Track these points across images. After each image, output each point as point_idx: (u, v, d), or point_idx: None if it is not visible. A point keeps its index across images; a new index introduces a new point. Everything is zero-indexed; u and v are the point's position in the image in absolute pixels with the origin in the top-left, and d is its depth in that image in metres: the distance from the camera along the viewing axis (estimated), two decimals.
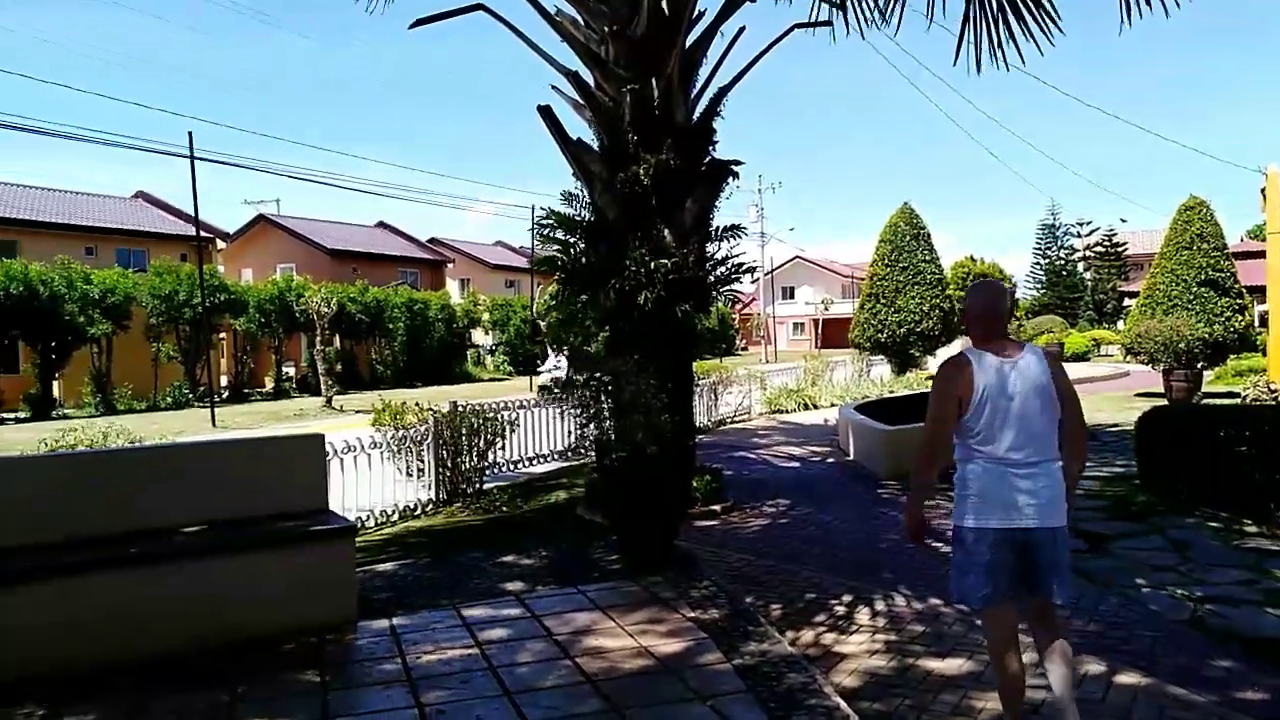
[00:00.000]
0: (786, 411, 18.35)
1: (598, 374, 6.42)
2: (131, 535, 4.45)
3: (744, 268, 8.60)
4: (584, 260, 7.95)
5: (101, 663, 4.08)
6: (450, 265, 49.55)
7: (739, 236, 8.67)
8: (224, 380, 32.11)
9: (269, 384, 32.32)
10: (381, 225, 49.87)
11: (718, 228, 8.39)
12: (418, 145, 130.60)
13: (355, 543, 5.01)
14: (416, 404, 9.55)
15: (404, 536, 7.75)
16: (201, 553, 4.44)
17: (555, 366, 16.89)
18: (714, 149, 8.35)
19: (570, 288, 7.92)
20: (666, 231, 7.88)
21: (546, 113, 7.86)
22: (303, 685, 4.00)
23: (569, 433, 9.85)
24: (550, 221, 8.09)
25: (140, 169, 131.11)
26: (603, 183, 7.95)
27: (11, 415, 23.93)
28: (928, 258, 25.23)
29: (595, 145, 8.12)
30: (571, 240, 8.07)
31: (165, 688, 3.96)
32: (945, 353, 23.37)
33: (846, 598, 5.61)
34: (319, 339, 27.26)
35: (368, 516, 8.26)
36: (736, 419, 16.98)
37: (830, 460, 11.92)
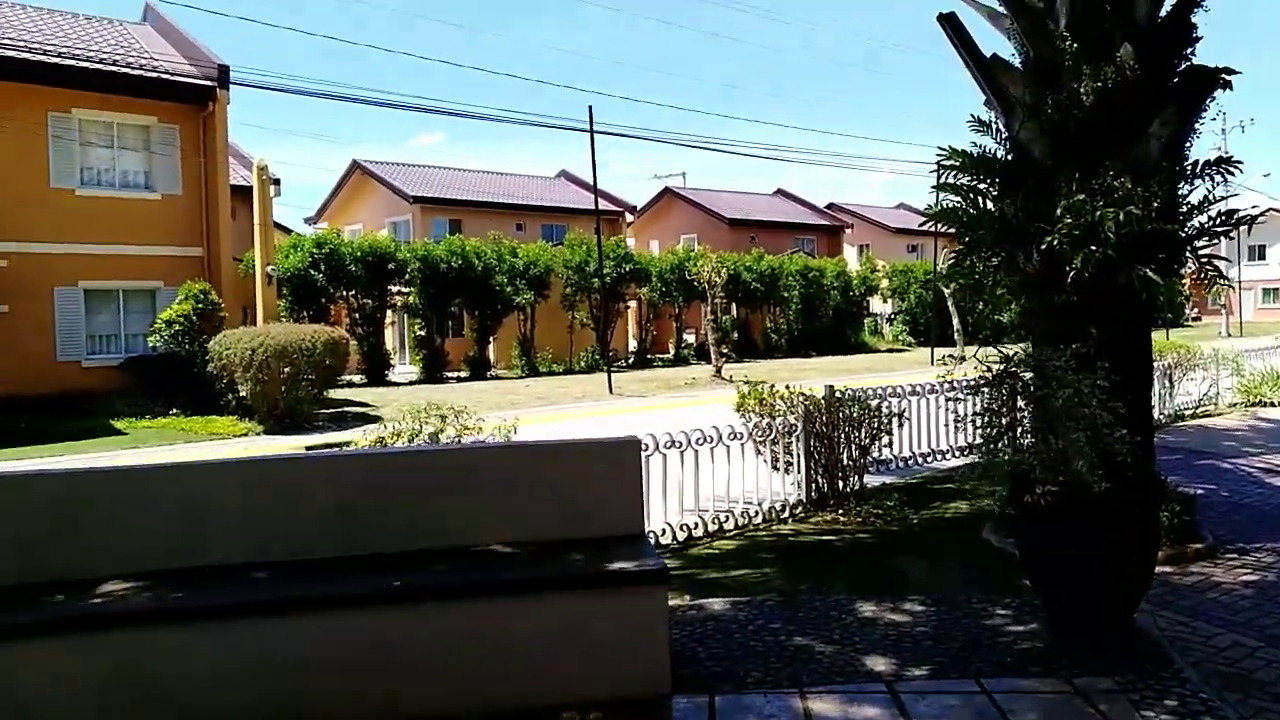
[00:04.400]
0: (1271, 405, 14.27)
1: (1014, 367, 4.62)
2: (401, 558, 3.70)
3: (1235, 217, 6.07)
4: (997, 210, 6.08)
5: None
6: (848, 230, 47.77)
7: (1229, 173, 6.14)
8: (632, 345, 33.68)
9: (671, 351, 33.26)
10: (779, 193, 49.51)
11: (1194, 163, 6.01)
12: (817, 104, 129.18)
13: (669, 591, 3.83)
14: (787, 387, 8.28)
15: (757, 550, 6.52)
16: (470, 593, 3.54)
17: None
18: (1191, 54, 6.00)
19: (976, 247, 6.08)
20: (1117, 169, 5.76)
21: (950, 22, 6.07)
22: None
23: (954, 419, 7.86)
24: (952, 162, 6.25)
25: (564, 149, 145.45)
26: (1026, 109, 6.05)
27: (454, 375, 26.88)
28: None
29: (1016, 62, 6.23)
30: (982, 185, 6.21)
31: None
32: None
33: None
34: (711, 307, 27.28)
35: (725, 516, 7.20)
36: (1199, 413, 13.49)
37: None
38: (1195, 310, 60.26)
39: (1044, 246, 5.44)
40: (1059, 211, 5.44)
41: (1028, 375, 4.53)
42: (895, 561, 5.97)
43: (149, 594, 3.44)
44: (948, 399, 8.81)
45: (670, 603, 4.83)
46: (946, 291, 29.39)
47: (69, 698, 3.19)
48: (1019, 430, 4.44)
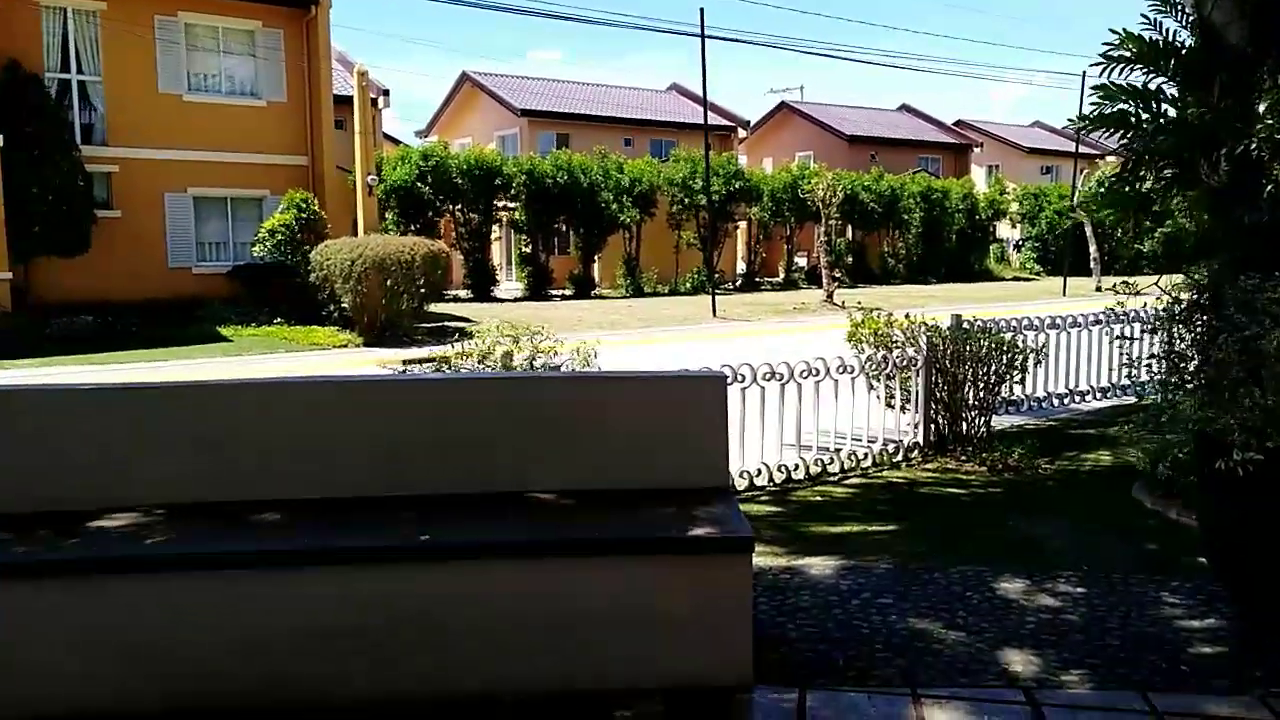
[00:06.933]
0: None
1: (1203, 297, 3.68)
2: (436, 503, 3.14)
3: None
4: (1176, 112, 4.99)
5: (343, 705, 2.82)
6: (977, 150, 44.81)
7: None
8: (740, 268, 32.63)
9: (781, 274, 32.07)
10: (904, 108, 46.79)
11: None
12: (947, 11, 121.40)
13: (753, 561, 3.14)
14: (906, 316, 7.38)
15: (867, 500, 5.76)
16: (511, 552, 2.94)
17: None
18: None
19: (1150, 157, 5.02)
20: None
21: None
22: None
23: (1122, 362, 6.76)
24: (1124, 53, 5.13)
25: (679, 65, 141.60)
26: None
27: (559, 292, 26.54)
28: None
29: None
30: (1159, 82, 5.09)
31: None
32: None
33: None
34: (825, 229, 25.97)
35: (830, 458, 6.46)
36: None
37: None
38: None
39: (1239, 152, 4.41)
40: (1261, 110, 4.39)
41: (1226, 306, 3.58)
42: (1030, 522, 5.12)
43: (138, 534, 2.98)
44: (1114, 336, 7.65)
45: (759, 563, 4.17)
46: (1085, 216, 27.17)
47: (49, 643, 2.78)
48: (1200, 374, 3.52)
